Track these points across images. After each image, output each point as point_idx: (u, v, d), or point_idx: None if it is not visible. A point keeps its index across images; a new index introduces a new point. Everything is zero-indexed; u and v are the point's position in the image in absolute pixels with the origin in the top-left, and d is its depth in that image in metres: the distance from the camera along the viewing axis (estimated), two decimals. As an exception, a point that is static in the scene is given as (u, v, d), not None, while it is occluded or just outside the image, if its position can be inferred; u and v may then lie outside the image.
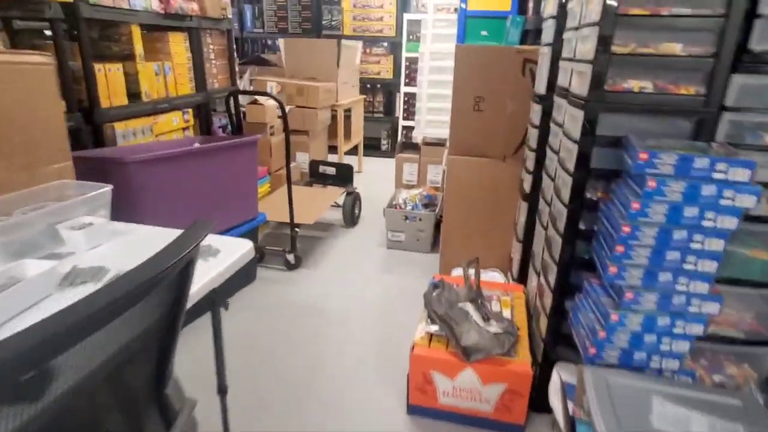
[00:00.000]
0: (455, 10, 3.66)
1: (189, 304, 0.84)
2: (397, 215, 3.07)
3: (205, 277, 1.04)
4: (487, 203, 2.58)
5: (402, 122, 5.67)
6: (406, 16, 5.24)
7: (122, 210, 1.48)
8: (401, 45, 5.38)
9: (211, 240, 1.22)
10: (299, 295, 2.58)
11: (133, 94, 2.53)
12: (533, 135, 2.11)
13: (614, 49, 1.31)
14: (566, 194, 1.48)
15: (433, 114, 3.72)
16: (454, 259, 2.64)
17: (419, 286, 2.64)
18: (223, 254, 1.16)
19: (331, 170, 3.68)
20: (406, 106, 5.62)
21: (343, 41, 4.15)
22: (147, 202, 1.91)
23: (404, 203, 3.18)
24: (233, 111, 2.71)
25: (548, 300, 1.64)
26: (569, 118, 1.53)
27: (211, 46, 3.27)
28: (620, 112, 1.36)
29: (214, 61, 3.31)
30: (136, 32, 2.48)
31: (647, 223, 1.24)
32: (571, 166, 1.46)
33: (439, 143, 3.60)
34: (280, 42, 4.17)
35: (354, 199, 3.44)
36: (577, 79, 1.51)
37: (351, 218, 3.45)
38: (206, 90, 3.18)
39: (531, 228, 2.14)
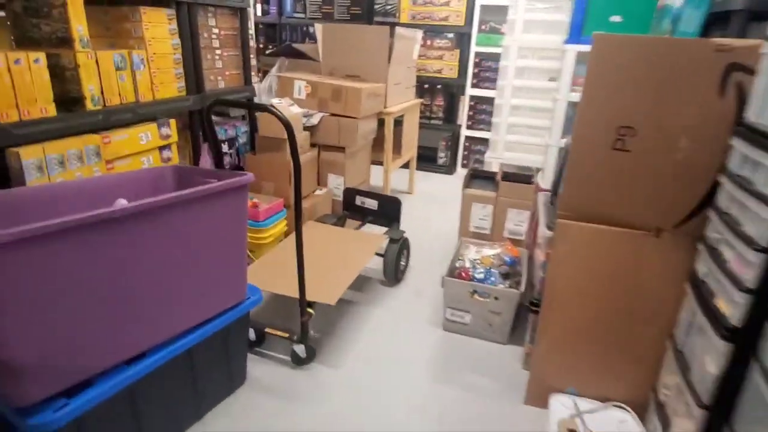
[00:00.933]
0: (558, -13, 2.58)
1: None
2: (462, 289, 2.07)
3: None
4: (619, 302, 1.55)
5: (465, 131, 4.64)
6: (479, 1, 4.19)
7: None
8: (470, 37, 4.33)
9: None
10: (302, 419, 1.65)
11: (72, 99, 1.66)
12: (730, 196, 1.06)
13: None
14: None
15: (516, 132, 2.69)
16: (552, 377, 1.64)
17: (495, 413, 1.65)
18: None
19: (372, 204, 2.72)
20: (471, 113, 4.58)
21: (398, 30, 3.17)
22: (18, 313, 1.02)
23: (472, 267, 2.18)
24: (216, 136, 1.79)
25: None
26: None
27: (215, 31, 2.37)
28: None
29: (218, 52, 2.41)
30: (75, 3, 1.59)
31: None
32: None
33: (525, 176, 2.56)
34: (317, 28, 3.24)
35: (400, 247, 2.47)
36: None
37: (394, 273, 2.48)
38: (203, 91, 2.28)
39: (735, 388, 1.10)
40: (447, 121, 4.67)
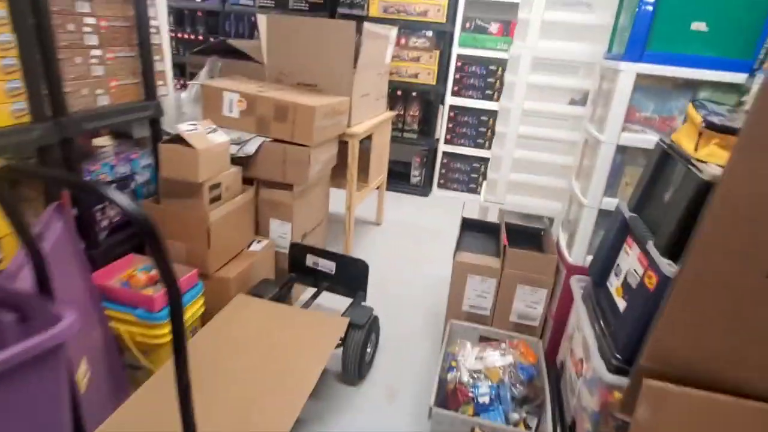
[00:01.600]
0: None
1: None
2: (460, 427, 1.37)
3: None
4: None
5: (443, 146, 3.94)
6: (466, -7, 3.49)
7: None
8: (452, 36, 3.63)
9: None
10: None
11: None
12: None
13: None
14: None
15: (523, 168, 2.01)
16: None
17: None
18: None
19: (328, 266, 1.99)
20: (451, 125, 3.89)
21: (367, 26, 2.43)
22: None
23: (471, 381, 1.48)
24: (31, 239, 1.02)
25: None
26: None
27: (90, 21, 1.58)
28: None
29: (97, 53, 1.62)
30: None
31: None
32: None
33: (535, 234, 1.88)
34: (260, 19, 2.46)
35: (366, 333, 1.75)
36: None
37: (357, 369, 1.76)
38: (64, 114, 1.49)
39: None
40: (422, 134, 3.96)
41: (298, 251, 2.03)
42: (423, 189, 4.04)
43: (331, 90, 2.42)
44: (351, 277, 1.96)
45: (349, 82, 2.41)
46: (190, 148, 1.63)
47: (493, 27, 3.59)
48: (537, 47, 1.85)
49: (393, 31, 2.84)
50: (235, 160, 2.01)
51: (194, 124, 1.73)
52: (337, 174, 2.59)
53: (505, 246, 1.72)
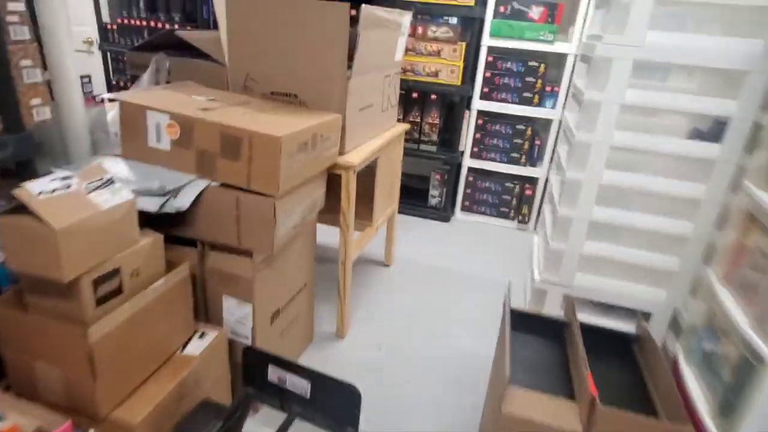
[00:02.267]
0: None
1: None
2: None
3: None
4: None
5: (469, 161, 3.20)
6: (501, -33, 2.73)
7: None
8: (482, 24, 2.87)
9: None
10: None
11: None
12: None
13: None
14: None
15: (605, 237, 1.28)
16: None
17: None
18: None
19: (301, 386, 1.28)
20: (479, 135, 3.14)
21: (366, 9, 1.69)
22: None
23: None
24: None
25: None
26: None
27: None
28: None
29: None
30: None
31: None
32: None
33: (618, 340, 1.15)
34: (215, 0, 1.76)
35: None
36: None
37: None
38: None
39: None
40: (443, 146, 3.22)
41: (254, 359, 1.33)
42: (443, 212, 3.31)
43: (318, 102, 1.71)
44: (335, 405, 1.26)
45: (341, 90, 1.69)
46: (45, 224, 0.93)
47: (535, 11, 2.81)
48: (643, 43, 1.10)
49: (406, 18, 2.09)
50: (163, 218, 1.31)
51: (67, 177, 1.03)
52: (329, 207, 1.87)
53: (592, 399, 0.99)
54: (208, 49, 1.83)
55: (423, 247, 2.87)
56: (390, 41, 2.00)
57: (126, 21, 3.56)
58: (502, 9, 2.85)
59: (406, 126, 2.37)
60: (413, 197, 3.35)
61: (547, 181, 3.11)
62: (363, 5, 1.64)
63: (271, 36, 1.69)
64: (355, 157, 1.77)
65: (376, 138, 2.04)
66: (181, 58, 1.88)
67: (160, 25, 3.52)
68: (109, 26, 3.64)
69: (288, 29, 1.67)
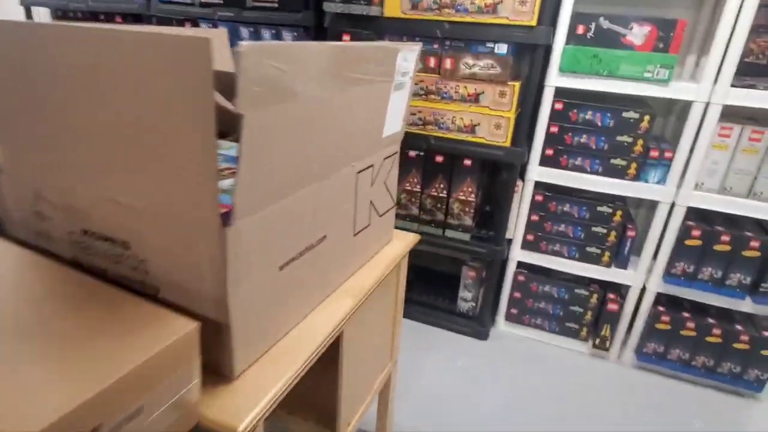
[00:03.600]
0: None
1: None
2: None
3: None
4: None
5: (520, 253, 2.12)
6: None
7: None
8: (547, 53, 1.82)
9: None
10: None
11: None
12: None
13: None
14: None
15: None
16: None
17: None
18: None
19: None
20: (537, 217, 2.06)
21: (261, 49, 0.69)
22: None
23: None
24: None
25: None
26: None
27: None
28: None
29: None
30: None
31: None
32: None
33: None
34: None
35: None
36: None
37: None
38: None
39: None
40: (481, 231, 2.16)
41: None
42: (479, 323, 2.24)
43: (173, 266, 0.70)
44: None
45: (215, 242, 0.67)
46: None
47: (636, 33, 1.74)
48: None
49: (409, 53, 1.06)
50: None
51: None
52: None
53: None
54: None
55: (446, 387, 1.81)
56: (367, 106, 0.97)
57: None
58: (580, 30, 1.78)
59: (413, 239, 1.33)
60: (435, 297, 2.31)
61: (643, 290, 2.00)
62: (244, 43, 0.63)
63: (81, 112, 0.70)
64: (254, 397, 0.73)
65: (339, 297, 1.00)
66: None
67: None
68: None
69: (107, 98, 0.67)
